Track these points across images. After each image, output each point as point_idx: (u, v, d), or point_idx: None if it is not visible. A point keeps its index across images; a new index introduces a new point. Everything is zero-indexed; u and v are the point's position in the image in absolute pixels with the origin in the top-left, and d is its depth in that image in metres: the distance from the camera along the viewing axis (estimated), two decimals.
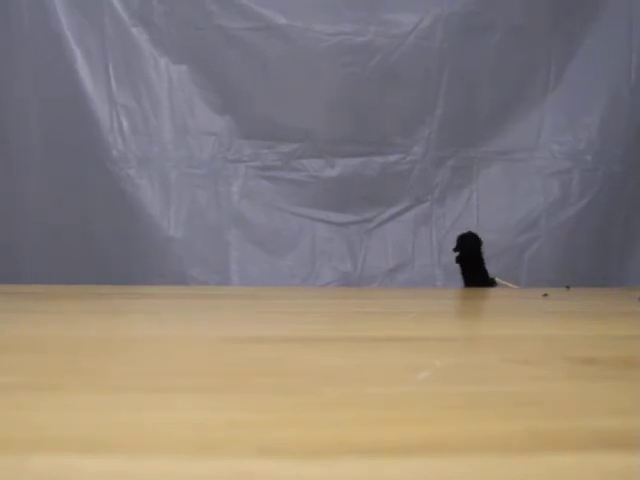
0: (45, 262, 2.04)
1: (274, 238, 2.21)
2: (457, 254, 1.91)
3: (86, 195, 2.10)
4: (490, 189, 2.27)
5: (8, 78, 2.10)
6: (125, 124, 2.15)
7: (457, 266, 1.96)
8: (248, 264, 2.18)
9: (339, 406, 0.29)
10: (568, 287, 1.73)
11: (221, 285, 2.13)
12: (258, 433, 0.25)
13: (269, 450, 0.23)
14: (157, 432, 0.26)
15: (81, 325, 0.70)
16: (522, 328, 0.68)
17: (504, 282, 1.87)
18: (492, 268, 1.96)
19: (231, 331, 0.63)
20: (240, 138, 2.21)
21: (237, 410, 0.29)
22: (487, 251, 2.04)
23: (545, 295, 1.32)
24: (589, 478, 0.21)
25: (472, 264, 1.88)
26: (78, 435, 0.25)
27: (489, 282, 1.87)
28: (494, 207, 2.25)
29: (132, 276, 1.97)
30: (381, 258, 2.24)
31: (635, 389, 0.34)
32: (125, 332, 0.65)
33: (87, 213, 2.09)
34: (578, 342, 0.55)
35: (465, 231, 1.95)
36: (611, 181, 2.25)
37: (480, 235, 1.98)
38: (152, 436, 0.25)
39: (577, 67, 2.26)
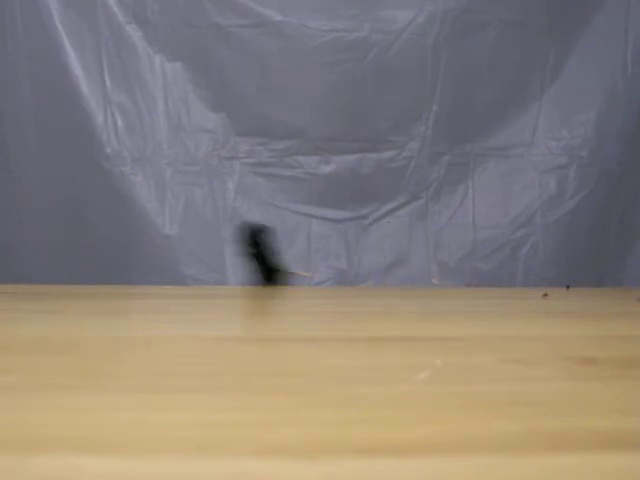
0: (45, 262, 2.04)
1: None
2: (242, 248, 1.81)
3: (81, 194, 2.10)
4: (486, 185, 2.27)
5: (1, 77, 2.09)
6: (119, 122, 2.14)
7: (449, 262, 1.93)
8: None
9: (339, 406, 0.30)
10: (568, 287, 1.72)
11: (218, 282, 2.13)
12: (258, 433, 0.25)
13: (269, 450, 0.23)
14: (157, 432, 0.26)
15: (81, 325, 0.70)
16: (521, 328, 0.68)
17: (298, 272, 1.81)
18: (487, 264, 1.95)
19: (230, 331, 0.63)
20: (235, 135, 2.21)
21: (237, 410, 0.29)
22: (483, 247, 2.04)
23: (545, 295, 1.32)
24: (589, 478, 0.21)
25: (260, 256, 1.78)
26: (78, 435, 0.25)
27: (281, 272, 1.78)
28: (490, 203, 2.25)
29: (129, 274, 1.97)
30: (377, 254, 2.24)
31: (635, 389, 0.35)
32: (125, 332, 0.65)
33: (83, 212, 2.09)
34: (577, 342, 0.55)
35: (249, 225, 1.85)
36: (607, 177, 2.26)
37: (476, 231, 1.97)
38: (152, 436, 0.25)
39: (574, 63, 2.26)
